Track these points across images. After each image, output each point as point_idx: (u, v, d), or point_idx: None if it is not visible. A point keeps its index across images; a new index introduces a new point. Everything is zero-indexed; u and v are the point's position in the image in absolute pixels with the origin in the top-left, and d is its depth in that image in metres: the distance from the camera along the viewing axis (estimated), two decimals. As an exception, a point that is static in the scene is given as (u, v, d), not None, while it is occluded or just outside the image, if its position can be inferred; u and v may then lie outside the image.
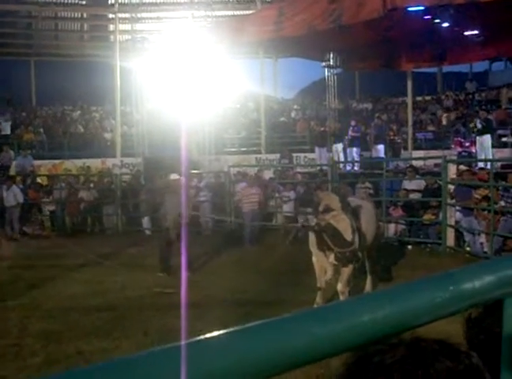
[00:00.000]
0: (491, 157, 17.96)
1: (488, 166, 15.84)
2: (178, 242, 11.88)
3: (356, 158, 22.36)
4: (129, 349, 7.70)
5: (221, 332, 0.94)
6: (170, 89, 26.81)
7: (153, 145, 27.79)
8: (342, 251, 8.49)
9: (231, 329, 0.94)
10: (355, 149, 22.79)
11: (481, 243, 14.28)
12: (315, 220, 9.20)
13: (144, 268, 13.25)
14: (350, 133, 23.34)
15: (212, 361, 0.90)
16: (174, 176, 13.83)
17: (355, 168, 21.37)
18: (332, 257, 8.78)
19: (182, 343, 0.89)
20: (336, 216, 8.56)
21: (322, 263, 9.25)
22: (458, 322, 1.73)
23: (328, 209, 8.72)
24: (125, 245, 16.89)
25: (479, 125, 19.41)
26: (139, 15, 30.16)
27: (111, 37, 33.34)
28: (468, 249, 14.60)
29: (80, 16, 34.20)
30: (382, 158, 21.35)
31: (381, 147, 22.55)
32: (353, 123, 24.01)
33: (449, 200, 14.91)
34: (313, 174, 21.16)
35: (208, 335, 0.93)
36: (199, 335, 0.93)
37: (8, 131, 30.03)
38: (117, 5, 31.02)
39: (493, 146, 20.18)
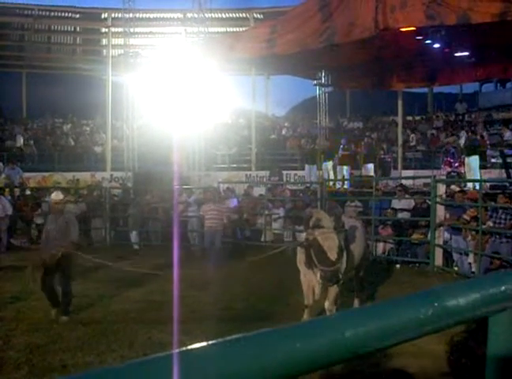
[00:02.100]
0: (478, 177, 18.03)
1: (477, 187, 15.89)
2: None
3: (346, 176, 22.39)
4: (114, 363, 7.65)
5: (203, 344, 0.93)
6: (161, 104, 26.85)
7: (143, 160, 27.80)
8: (324, 269, 8.46)
9: (214, 342, 0.93)
10: (345, 167, 22.82)
11: (469, 263, 14.31)
12: (304, 236, 9.18)
13: (131, 283, 13.19)
14: (340, 151, 23.39)
15: (200, 371, 0.89)
16: (56, 195, 11.03)
17: (345, 186, 21.39)
18: (319, 275, 8.76)
19: (171, 352, 0.89)
20: (325, 234, 8.54)
21: (310, 281, 9.23)
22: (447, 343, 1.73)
23: (318, 225, 8.71)
24: (112, 259, 16.81)
25: (462, 141, 19.50)
26: (132, 30, 30.17)
27: (104, 51, 33.41)
28: (456, 268, 14.63)
29: (73, 29, 34.21)
30: (372, 177, 21.40)
31: (370, 166, 22.59)
32: (344, 141, 24.09)
33: (438, 220, 14.95)
34: (302, 191, 21.16)
35: (189, 348, 0.92)
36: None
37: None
38: (110, 19, 31.12)
39: (482, 167, 20.27)
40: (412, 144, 30.20)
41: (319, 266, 8.52)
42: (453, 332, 1.63)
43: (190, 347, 0.92)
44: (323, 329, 1.03)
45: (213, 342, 0.93)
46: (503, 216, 13.73)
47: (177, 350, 0.90)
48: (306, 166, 24.27)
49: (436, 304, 1.21)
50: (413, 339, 1.21)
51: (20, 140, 30.40)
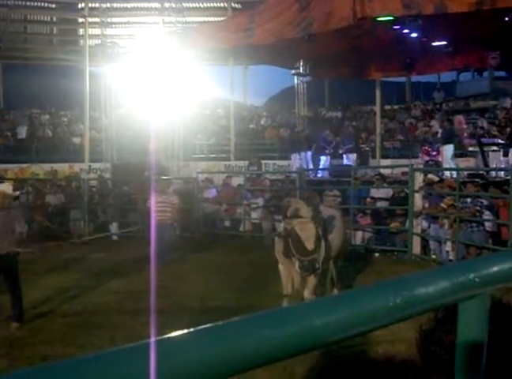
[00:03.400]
0: (453, 166, 18.17)
1: (454, 176, 16.01)
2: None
3: (325, 165, 22.39)
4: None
5: (186, 331, 0.95)
6: (139, 94, 26.73)
7: (122, 151, 27.66)
8: (302, 259, 8.50)
9: (183, 331, 0.95)
10: (325, 157, 22.84)
11: (447, 251, 14.44)
12: (282, 226, 9.21)
13: (111, 274, 13.17)
14: (321, 141, 23.38)
15: (177, 359, 0.91)
16: (7, 188, 10.97)
17: (324, 175, 21.44)
18: (297, 265, 8.80)
19: (149, 340, 0.90)
20: (303, 223, 8.56)
21: (289, 270, 9.26)
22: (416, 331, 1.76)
23: (296, 215, 8.73)
24: (91, 250, 16.79)
25: (439, 129, 19.59)
26: (109, 20, 29.99)
27: (81, 41, 33.11)
28: (433, 256, 14.75)
29: (49, 19, 33.91)
30: (351, 166, 21.46)
31: (353, 155, 22.61)
32: (325, 132, 24.12)
33: (416, 209, 15.06)
34: (282, 181, 21.17)
35: (173, 334, 0.94)
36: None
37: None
38: (87, 9, 30.84)
39: (460, 155, 20.42)
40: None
41: (296, 256, 8.56)
42: (422, 321, 1.66)
43: (159, 337, 0.93)
44: (293, 317, 1.04)
45: (181, 332, 0.94)
46: (471, 204, 13.91)
47: (147, 341, 0.91)
48: (293, 154, 23.91)
49: (406, 292, 1.23)
50: (383, 327, 1.24)
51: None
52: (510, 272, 1.47)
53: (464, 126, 23.86)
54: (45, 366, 0.85)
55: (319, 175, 21.70)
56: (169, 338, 0.93)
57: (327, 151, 23.05)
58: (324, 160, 22.73)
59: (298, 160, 22.65)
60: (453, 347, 1.44)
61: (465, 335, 1.42)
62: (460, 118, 24.24)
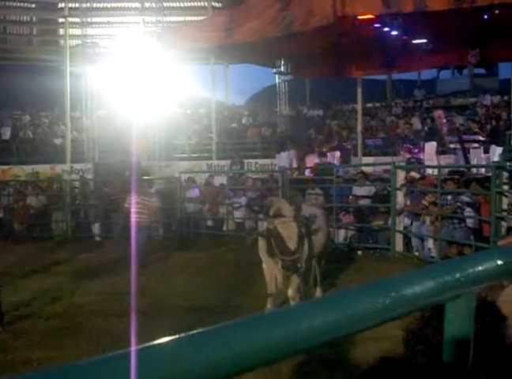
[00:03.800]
0: (435, 163, 18.26)
1: (436, 172, 16.09)
2: None
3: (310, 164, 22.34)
4: (79, 357, 7.57)
5: (169, 338, 0.94)
6: (120, 95, 26.62)
7: (103, 151, 27.55)
8: (284, 258, 8.52)
9: (177, 336, 0.94)
10: (311, 156, 22.78)
11: (429, 248, 14.51)
12: (265, 225, 9.21)
13: (93, 275, 13.12)
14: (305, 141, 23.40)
15: (160, 367, 0.90)
16: None
17: (307, 174, 21.41)
18: (280, 264, 8.81)
19: (131, 349, 0.90)
20: (285, 223, 8.57)
21: (272, 269, 9.27)
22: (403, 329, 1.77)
23: (278, 215, 8.74)
24: (74, 252, 16.72)
25: (418, 125, 19.66)
26: (89, 20, 29.83)
27: (61, 41, 32.93)
28: (416, 254, 14.82)
29: (29, 19, 33.69)
30: (333, 164, 21.48)
31: (336, 153, 22.61)
32: (309, 131, 24.16)
33: (398, 207, 15.12)
34: (265, 180, 21.14)
35: (156, 342, 0.93)
36: (150, 341, 0.94)
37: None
38: (67, 9, 30.65)
39: (441, 153, 20.51)
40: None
41: (279, 255, 8.57)
42: (408, 319, 1.67)
43: (154, 342, 0.93)
44: (281, 321, 1.04)
45: (170, 338, 0.94)
46: (452, 201, 14.00)
47: (138, 347, 0.91)
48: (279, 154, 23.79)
49: (393, 293, 1.24)
50: (372, 328, 1.24)
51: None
52: (494, 271, 1.48)
53: (444, 121, 23.94)
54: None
55: (304, 174, 21.64)
56: (153, 345, 0.92)
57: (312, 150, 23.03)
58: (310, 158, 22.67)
59: (283, 159, 22.63)
60: (440, 347, 1.44)
61: (452, 334, 1.43)
62: (439, 112, 24.34)
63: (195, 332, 0.96)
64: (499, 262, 1.48)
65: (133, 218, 14.52)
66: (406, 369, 1.23)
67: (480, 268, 1.45)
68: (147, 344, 0.92)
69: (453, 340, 1.44)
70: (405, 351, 1.69)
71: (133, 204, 14.85)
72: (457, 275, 1.38)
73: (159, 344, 0.93)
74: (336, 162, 21.31)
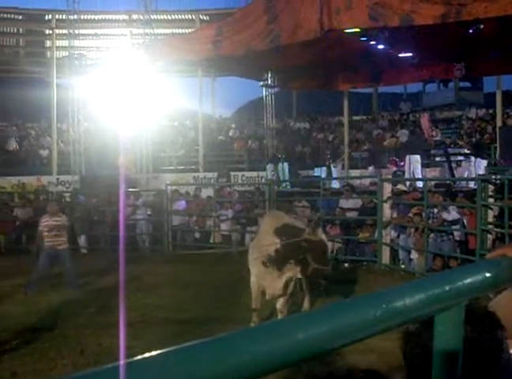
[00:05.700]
0: (420, 176, 18.37)
1: (421, 185, 16.18)
2: None
3: (287, 177, 22.32)
4: (65, 369, 7.58)
5: (157, 352, 0.95)
6: (107, 107, 26.59)
7: (90, 163, 27.50)
8: (320, 268, 8.61)
9: (166, 350, 0.95)
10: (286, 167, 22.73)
11: (411, 259, 14.59)
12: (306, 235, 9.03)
13: (79, 287, 13.05)
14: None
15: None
16: None
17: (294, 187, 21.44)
18: (286, 276, 8.86)
19: (119, 363, 0.90)
20: (315, 234, 8.71)
21: (264, 280, 9.22)
22: (394, 339, 1.78)
23: (292, 227, 8.92)
24: (60, 264, 16.60)
25: (403, 138, 19.73)
26: (77, 31, 29.81)
27: (48, 53, 32.91)
28: (402, 266, 14.86)
29: (16, 31, 33.63)
30: (320, 177, 21.54)
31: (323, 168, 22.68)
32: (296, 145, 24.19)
33: (384, 219, 15.17)
34: (251, 192, 21.16)
35: (144, 356, 0.94)
36: (137, 354, 0.94)
37: None
38: (54, 20, 30.65)
39: (426, 165, 20.63)
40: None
41: (314, 265, 8.59)
42: (403, 330, 1.69)
43: (142, 356, 0.93)
44: (271, 334, 1.06)
45: (164, 350, 0.95)
46: (438, 215, 14.07)
47: (127, 360, 0.92)
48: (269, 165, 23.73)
49: (384, 305, 1.26)
50: (363, 340, 1.26)
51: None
52: (483, 282, 1.50)
53: (428, 125, 23.91)
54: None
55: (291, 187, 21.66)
56: (142, 359, 0.93)
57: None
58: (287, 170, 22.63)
59: (272, 171, 22.66)
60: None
61: (442, 346, 1.45)
62: (426, 117, 24.40)
63: (183, 345, 0.97)
64: (488, 274, 1.50)
65: (48, 242, 13.07)
66: None
67: (469, 280, 1.47)
68: (136, 358, 0.93)
69: (443, 352, 1.46)
70: (402, 355, 1.71)
71: (46, 226, 13.16)
72: (447, 287, 1.40)
73: (147, 358, 0.94)
74: (323, 175, 21.38)
